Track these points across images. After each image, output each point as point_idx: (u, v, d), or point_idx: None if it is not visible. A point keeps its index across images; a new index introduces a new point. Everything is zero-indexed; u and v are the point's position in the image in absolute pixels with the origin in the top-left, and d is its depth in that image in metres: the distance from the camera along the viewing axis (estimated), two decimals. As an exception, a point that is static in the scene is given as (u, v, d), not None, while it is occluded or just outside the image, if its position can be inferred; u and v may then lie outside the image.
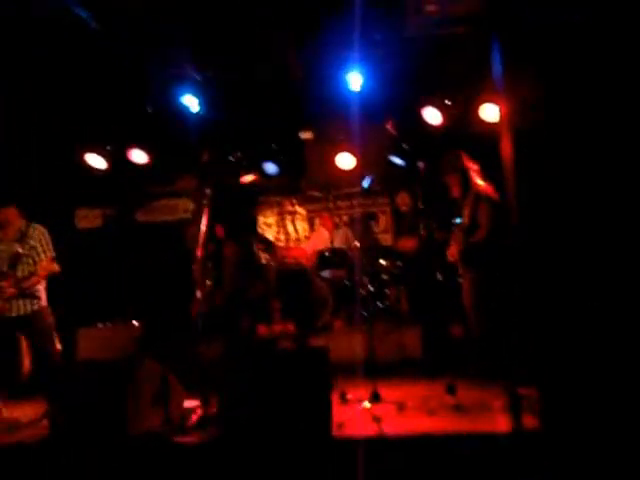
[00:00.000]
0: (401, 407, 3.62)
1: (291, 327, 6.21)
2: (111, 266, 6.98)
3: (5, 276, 4.38)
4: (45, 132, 6.06)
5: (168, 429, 3.55)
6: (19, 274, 4.42)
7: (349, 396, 4.01)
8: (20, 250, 4.41)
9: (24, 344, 6.04)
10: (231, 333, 4.55)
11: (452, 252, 4.36)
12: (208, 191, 4.53)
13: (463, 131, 5.34)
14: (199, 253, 4.09)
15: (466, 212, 4.30)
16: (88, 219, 7.30)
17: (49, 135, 6.10)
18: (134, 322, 6.40)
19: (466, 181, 4.30)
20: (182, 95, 5.73)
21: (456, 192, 4.39)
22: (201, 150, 6.56)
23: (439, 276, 3.90)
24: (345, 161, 6.62)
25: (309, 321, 5.98)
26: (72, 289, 6.75)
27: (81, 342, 6.16)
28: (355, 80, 5.49)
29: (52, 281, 6.68)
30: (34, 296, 4.49)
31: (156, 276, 6.73)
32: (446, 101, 5.23)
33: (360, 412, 3.53)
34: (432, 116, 5.39)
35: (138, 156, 6.08)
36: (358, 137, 6.32)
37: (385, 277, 6.23)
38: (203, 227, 4.27)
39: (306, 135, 6.67)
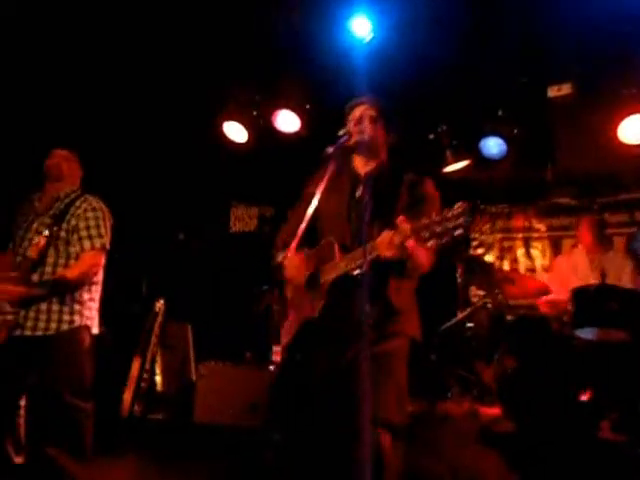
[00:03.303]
0: None
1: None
2: (259, 283, 5.17)
3: (21, 270, 2.64)
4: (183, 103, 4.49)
5: None
6: (48, 269, 2.69)
7: None
8: (47, 232, 2.67)
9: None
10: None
11: None
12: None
13: None
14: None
15: None
16: (243, 221, 5.67)
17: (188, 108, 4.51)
18: (271, 367, 4.43)
19: None
20: (349, 18, 3.57)
21: None
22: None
23: None
24: (635, 131, 3.65)
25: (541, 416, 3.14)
26: (213, 307, 5.18)
27: (203, 379, 4.42)
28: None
29: (189, 294, 5.31)
30: (65, 308, 2.69)
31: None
32: None
33: None
34: None
35: (286, 122, 4.11)
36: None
37: None
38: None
39: (559, 90, 3.87)
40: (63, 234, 2.73)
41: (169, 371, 4.90)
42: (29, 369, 2.65)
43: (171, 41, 3.88)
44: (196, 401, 4.35)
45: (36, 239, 2.62)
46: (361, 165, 2.24)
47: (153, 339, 4.75)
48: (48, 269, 2.68)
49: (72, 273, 2.69)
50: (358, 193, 2.16)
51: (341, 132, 2.13)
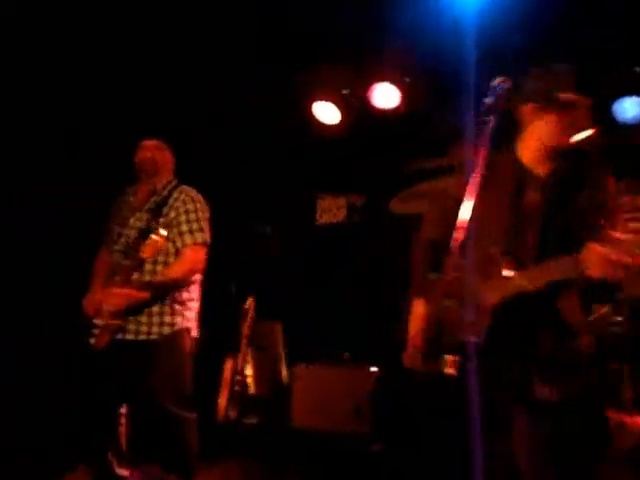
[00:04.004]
0: None
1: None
2: (351, 277, 4.81)
3: (122, 272, 2.43)
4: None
5: None
6: (148, 267, 2.46)
7: None
8: (165, 233, 2.41)
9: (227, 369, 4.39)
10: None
11: None
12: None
13: None
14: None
15: None
16: (330, 212, 5.32)
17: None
18: (371, 368, 4.06)
19: None
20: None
21: None
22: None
23: None
24: None
25: None
26: (304, 305, 4.87)
27: (299, 380, 4.19)
28: None
29: (279, 291, 4.95)
30: (166, 309, 2.46)
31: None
32: None
33: None
34: None
35: (384, 96, 3.69)
36: None
37: None
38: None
39: None
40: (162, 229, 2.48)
41: (262, 372, 4.66)
42: (131, 375, 2.43)
43: (253, 18, 3.57)
44: (293, 404, 4.09)
45: (153, 238, 2.35)
46: (535, 160, 1.79)
47: (243, 339, 4.53)
48: (148, 267, 2.44)
49: (176, 272, 2.45)
50: (531, 196, 1.73)
51: (497, 81, 1.69)
